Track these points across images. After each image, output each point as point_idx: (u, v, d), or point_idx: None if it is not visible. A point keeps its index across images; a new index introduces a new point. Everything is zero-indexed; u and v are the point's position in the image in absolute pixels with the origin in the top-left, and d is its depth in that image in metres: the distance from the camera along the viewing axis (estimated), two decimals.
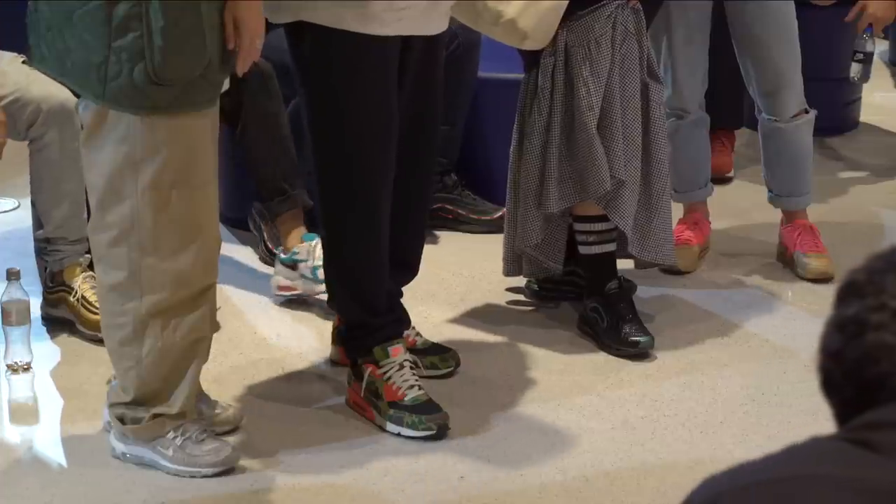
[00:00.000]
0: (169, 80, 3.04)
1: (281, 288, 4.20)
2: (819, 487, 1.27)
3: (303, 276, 4.16)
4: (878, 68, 6.24)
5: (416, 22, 3.42)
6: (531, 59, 3.90)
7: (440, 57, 3.61)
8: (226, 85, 3.25)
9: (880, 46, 6.33)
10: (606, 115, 3.83)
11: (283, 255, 4.21)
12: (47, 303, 4.06)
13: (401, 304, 3.68)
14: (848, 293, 1.40)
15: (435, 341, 3.84)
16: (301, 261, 4.16)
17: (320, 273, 4.08)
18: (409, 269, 3.72)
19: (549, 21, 3.75)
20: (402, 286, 3.71)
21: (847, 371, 1.36)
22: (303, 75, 3.45)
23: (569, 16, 3.77)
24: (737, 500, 1.31)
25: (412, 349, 3.69)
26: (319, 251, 4.17)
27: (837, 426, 1.38)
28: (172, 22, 3.00)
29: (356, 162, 3.44)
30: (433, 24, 3.50)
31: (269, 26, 4.44)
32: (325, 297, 3.86)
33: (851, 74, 4.89)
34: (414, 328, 3.79)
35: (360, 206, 3.47)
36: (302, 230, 4.27)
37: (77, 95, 3.37)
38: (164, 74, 3.03)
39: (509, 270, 4.12)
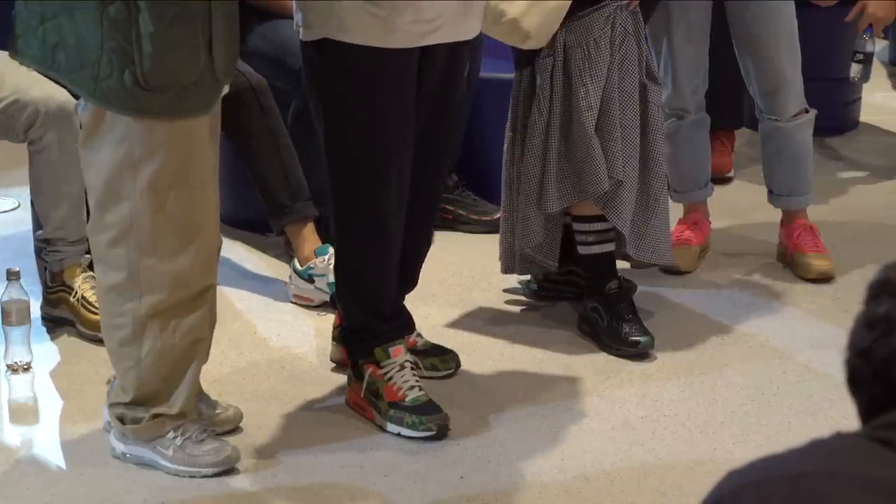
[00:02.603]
0: (158, 86, 3.01)
1: (296, 297, 4.23)
2: (840, 484, 1.28)
3: (318, 289, 4.18)
4: (878, 68, 6.24)
5: (449, 29, 3.37)
6: (524, 58, 3.89)
7: (464, 59, 3.56)
8: (224, 89, 3.23)
9: (880, 46, 6.34)
10: (605, 115, 3.84)
11: (298, 266, 4.23)
12: (47, 303, 4.06)
13: (405, 309, 3.68)
14: (880, 290, 1.39)
15: (435, 342, 3.84)
16: (318, 276, 4.18)
17: None
18: (408, 281, 3.69)
19: (551, 21, 3.75)
20: (402, 295, 3.71)
21: (875, 369, 1.36)
22: (319, 87, 3.40)
23: (568, 16, 3.77)
24: (758, 493, 1.31)
25: (413, 350, 3.68)
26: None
27: (861, 422, 1.38)
28: (163, 28, 2.97)
29: (371, 173, 3.40)
30: (468, 27, 3.44)
31: (259, 23, 4.46)
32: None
33: (851, 75, 4.89)
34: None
35: (372, 216, 3.44)
36: (313, 242, 4.28)
37: (76, 96, 3.37)
38: (153, 81, 3.01)
39: (507, 268, 4.12)
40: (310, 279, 4.20)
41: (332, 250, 4.18)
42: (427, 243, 3.72)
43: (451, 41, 3.41)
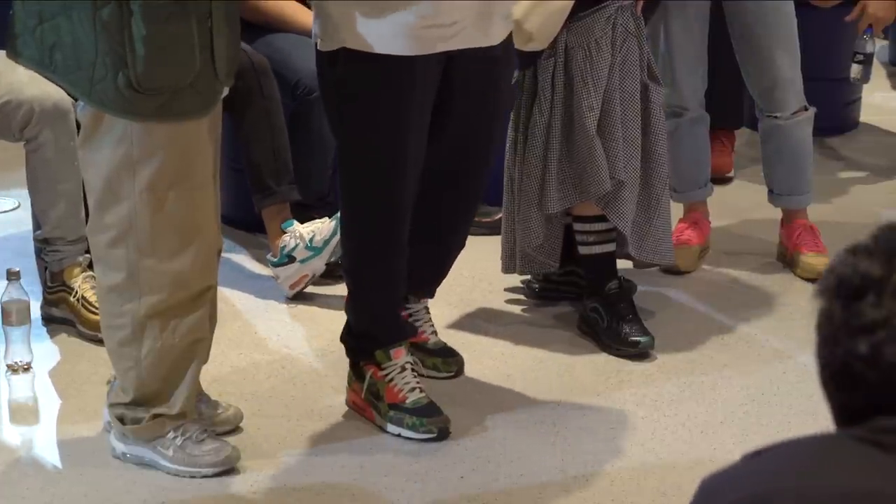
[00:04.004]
0: (152, 88, 3.01)
1: (292, 286, 4.22)
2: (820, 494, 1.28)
3: (303, 261, 4.18)
4: (878, 68, 6.24)
5: (468, 35, 3.31)
6: (526, 59, 3.89)
7: (505, 64, 3.47)
8: (225, 91, 3.22)
9: (880, 46, 6.34)
10: (606, 115, 3.84)
11: (274, 259, 4.23)
12: (47, 303, 4.06)
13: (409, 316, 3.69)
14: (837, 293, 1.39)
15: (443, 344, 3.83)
16: (293, 249, 4.18)
17: (315, 241, 4.12)
18: (440, 276, 3.70)
19: (553, 23, 3.74)
20: (432, 290, 3.74)
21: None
22: (336, 97, 3.34)
23: (569, 17, 3.77)
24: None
25: (423, 346, 3.70)
26: (302, 229, 4.19)
27: (836, 425, 1.38)
28: (155, 30, 2.97)
29: (385, 180, 3.35)
30: (490, 33, 3.37)
31: (253, 40, 4.45)
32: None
33: (851, 75, 4.89)
34: (431, 324, 3.79)
35: (384, 225, 3.41)
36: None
37: (72, 96, 3.36)
38: (146, 84, 3.00)
39: (507, 268, 4.13)
40: (290, 259, 4.20)
41: (296, 222, 4.21)
42: (461, 244, 3.71)
43: (469, 47, 3.33)
